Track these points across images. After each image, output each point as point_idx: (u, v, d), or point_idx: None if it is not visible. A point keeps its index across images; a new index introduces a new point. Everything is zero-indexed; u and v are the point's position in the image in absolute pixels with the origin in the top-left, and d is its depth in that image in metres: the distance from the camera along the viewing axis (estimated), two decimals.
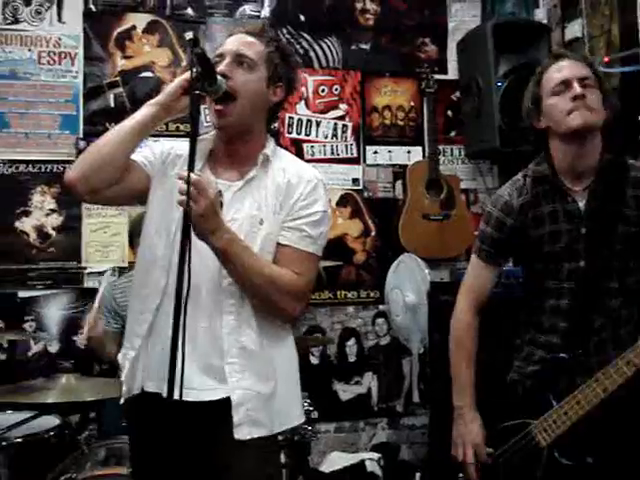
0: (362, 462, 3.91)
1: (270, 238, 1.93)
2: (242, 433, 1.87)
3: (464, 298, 2.40)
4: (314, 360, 4.14)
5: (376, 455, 3.99)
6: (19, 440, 2.78)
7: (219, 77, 1.83)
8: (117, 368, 3.28)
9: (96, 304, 3.29)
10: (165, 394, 1.67)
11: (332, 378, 4.19)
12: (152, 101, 1.94)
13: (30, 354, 3.81)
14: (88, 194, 1.93)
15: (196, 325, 1.84)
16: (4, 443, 2.72)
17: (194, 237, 1.73)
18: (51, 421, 2.95)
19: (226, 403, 1.87)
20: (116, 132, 1.91)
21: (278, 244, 1.94)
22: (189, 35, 1.72)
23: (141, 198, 2.04)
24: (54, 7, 3.89)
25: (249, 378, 1.89)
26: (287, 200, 1.95)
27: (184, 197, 1.69)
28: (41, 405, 2.81)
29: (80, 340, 3.25)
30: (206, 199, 1.71)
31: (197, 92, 1.76)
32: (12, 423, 2.76)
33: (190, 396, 1.82)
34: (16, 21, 3.84)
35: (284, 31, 4.17)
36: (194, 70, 1.76)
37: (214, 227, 1.77)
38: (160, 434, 1.72)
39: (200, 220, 1.72)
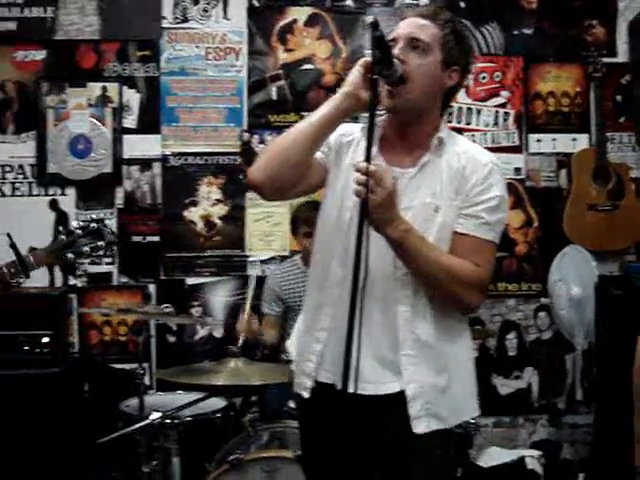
0: (522, 459, 3.78)
1: (446, 226, 1.86)
2: (421, 426, 1.83)
3: None
4: None
5: (537, 452, 3.85)
6: (189, 419, 2.92)
7: (395, 61, 1.78)
8: (279, 352, 3.39)
9: (247, 308, 3.37)
10: (339, 386, 1.66)
11: (491, 372, 4.11)
12: (336, 95, 1.86)
13: (197, 338, 4.00)
14: (274, 195, 1.94)
15: (370, 316, 1.78)
16: (176, 421, 2.88)
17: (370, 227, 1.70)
18: (217, 403, 3.08)
19: (402, 396, 1.83)
20: (300, 132, 1.86)
21: (455, 232, 1.86)
22: (370, 19, 1.71)
23: (316, 190, 2.04)
24: (220, 4, 4.03)
25: (424, 370, 1.85)
26: (463, 186, 1.86)
27: (361, 187, 1.66)
28: (209, 387, 2.94)
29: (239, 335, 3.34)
30: (384, 189, 1.67)
31: (375, 77, 1.72)
32: (183, 403, 2.89)
33: (366, 390, 1.80)
34: (185, 20, 4.02)
35: None
36: (374, 54, 1.71)
37: (391, 218, 1.73)
38: (334, 424, 1.71)
39: (377, 211, 1.68)
